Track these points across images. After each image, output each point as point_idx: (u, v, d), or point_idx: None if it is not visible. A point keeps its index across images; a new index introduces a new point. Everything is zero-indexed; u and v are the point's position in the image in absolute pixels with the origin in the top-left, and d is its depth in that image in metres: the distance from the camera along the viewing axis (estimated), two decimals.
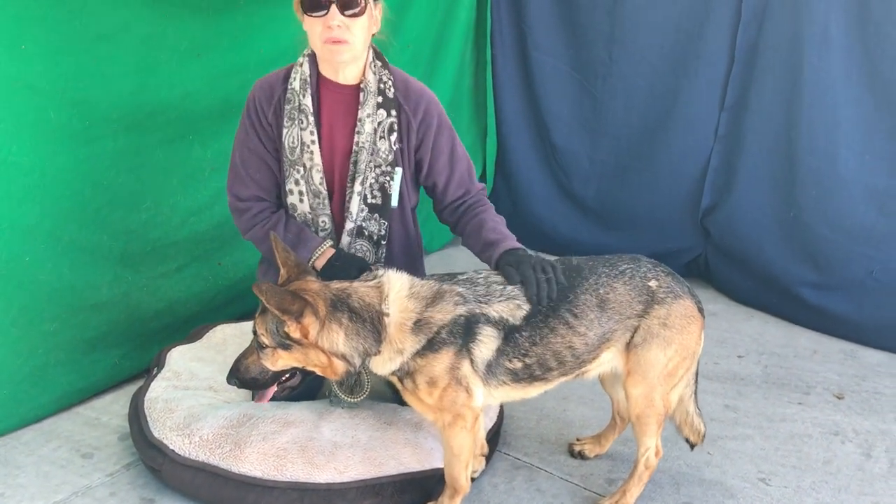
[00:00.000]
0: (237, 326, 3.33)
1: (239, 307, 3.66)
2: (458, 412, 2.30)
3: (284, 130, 2.55)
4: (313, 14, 2.42)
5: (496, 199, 5.01)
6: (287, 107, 2.54)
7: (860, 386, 3.49)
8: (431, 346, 2.24)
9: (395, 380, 2.35)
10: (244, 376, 2.27)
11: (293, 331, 2.13)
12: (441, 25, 4.45)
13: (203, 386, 2.88)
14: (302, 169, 2.56)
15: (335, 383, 2.63)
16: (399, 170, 2.65)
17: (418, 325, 2.24)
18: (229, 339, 3.23)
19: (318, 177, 2.56)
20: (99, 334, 3.09)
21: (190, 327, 3.35)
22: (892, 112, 3.63)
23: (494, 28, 4.68)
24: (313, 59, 2.57)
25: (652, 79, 4.24)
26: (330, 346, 2.16)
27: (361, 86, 2.59)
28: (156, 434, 2.60)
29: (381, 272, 2.31)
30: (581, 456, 2.87)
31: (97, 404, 3.11)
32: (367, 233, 2.67)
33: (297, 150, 2.54)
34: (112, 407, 3.09)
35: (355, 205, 2.61)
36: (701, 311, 2.48)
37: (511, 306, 2.32)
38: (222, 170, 3.39)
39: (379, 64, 2.64)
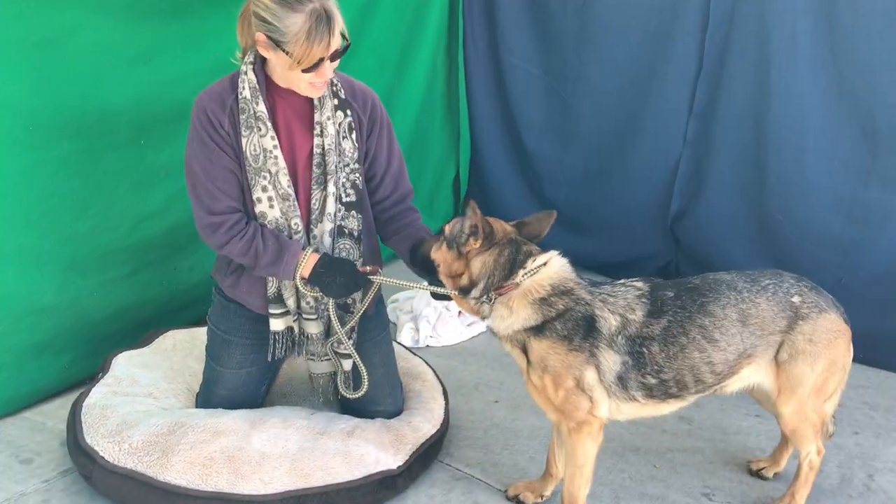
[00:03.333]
0: (189, 332, 3.33)
1: (196, 312, 3.65)
2: (582, 418, 2.34)
3: (244, 140, 2.50)
4: (308, 72, 2.41)
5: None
6: (242, 116, 2.50)
7: None
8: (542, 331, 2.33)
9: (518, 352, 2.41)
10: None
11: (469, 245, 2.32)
12: (410, 28, 4.42)
13: (143, 392, 2.88)
14: (268, 175, 2.54)
15: (340, 379, 2.80)
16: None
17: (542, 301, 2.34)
18: (179, 344, 3.23)
19: (285, 180, 2.55)
20: (46, 339, 3.10)
21: (144, 332, 3.35)
22: (860, 119, 3.56)
23: (467, 31, 4.65)
24: (259, 66, 2.53)
25: (621, 83, 4.19)
26: (473, 268, 2.33)
27: None
28: (88, 441, 2.60)
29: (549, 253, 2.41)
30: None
31: (45, 409, 3.12)
32: (347, 231, 2.68)
33: (261, 156, 2.51)
34: (59, 412, 3.07)
35: (331, 205, 2.61)
36: (846, 322, 2.46)
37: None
38: (176, 174, 3.37)
39: None
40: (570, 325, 2.29)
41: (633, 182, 4.28)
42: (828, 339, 2.38)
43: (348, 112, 2.62)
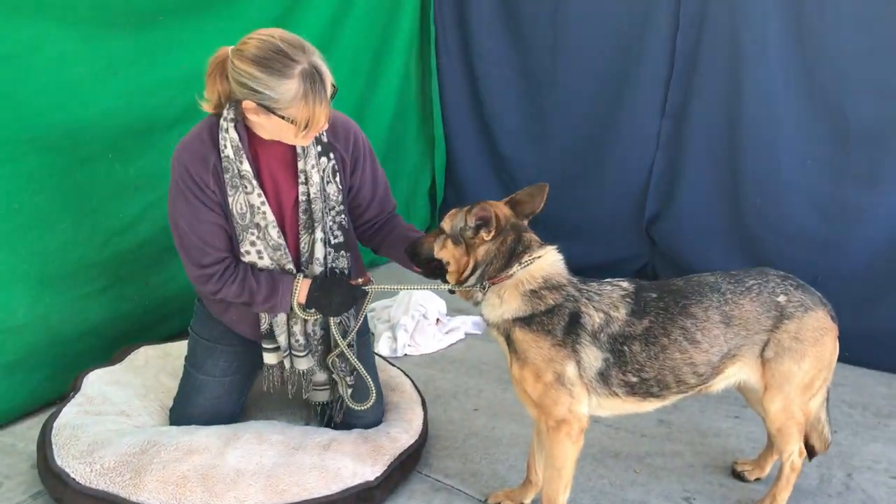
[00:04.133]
0: (162, 348, 3.29)
1: (169, 326, 3.61)
2: (561, 415, 2.33)
3: (230, 198, 2.45)
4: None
5: (447, 210, 4.95)
6: (226, 175, 2.43)
7: None
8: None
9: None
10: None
11: (480, 238, 2.32)
12: (382, 35, 4.41)
13: (114, 411, 2.83)
14: (256, 230, 2.51)
15: (345, 393, 2.75)
16: None
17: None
18: (151, 360, 3.19)
19: (274, 232, 2.52)
20: (17, 358, 3.04)
21: (116, 349, 3.29)
22: (832, 118, 3.59)
23: (439, 38, 4.63)
24: (241, 123, 2.44)
25: (594, 86, 4.20)
26: (478, 253, 2.33)
27: None
28: (58, 462, 2.54)
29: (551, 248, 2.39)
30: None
31: (15, 430, 3.05)
32: (338, 270, 2.67)
33: (247, 214, 2.48)
34: (30, 433, 3.01)
35: (320, 250, 2.59)
36: (834, 319, 2.45)
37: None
38: (146, 188, 3.37)
39: None
40: (556, 320, 2.29)
41: (608, 185, 4.29)
42: (814, 337, 2.38)
43: (331, 155, 2.58)
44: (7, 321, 2.97)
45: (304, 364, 2.73)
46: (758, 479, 2.83)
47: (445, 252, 2.40)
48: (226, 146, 2.41)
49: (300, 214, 2.57)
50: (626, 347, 2.30)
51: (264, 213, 2.48)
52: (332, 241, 2.63)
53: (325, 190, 2.57)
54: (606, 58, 4.13)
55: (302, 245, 2.61)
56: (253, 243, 2.52)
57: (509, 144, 4.58)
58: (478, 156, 4.73)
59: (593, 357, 2.30)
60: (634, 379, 2.33)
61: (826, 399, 2.60)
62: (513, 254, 2.32)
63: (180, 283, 3.58)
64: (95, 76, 3.09)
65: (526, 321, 2.31)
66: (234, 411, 2.88)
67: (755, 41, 3.65)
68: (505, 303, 2.33)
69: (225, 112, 2.41)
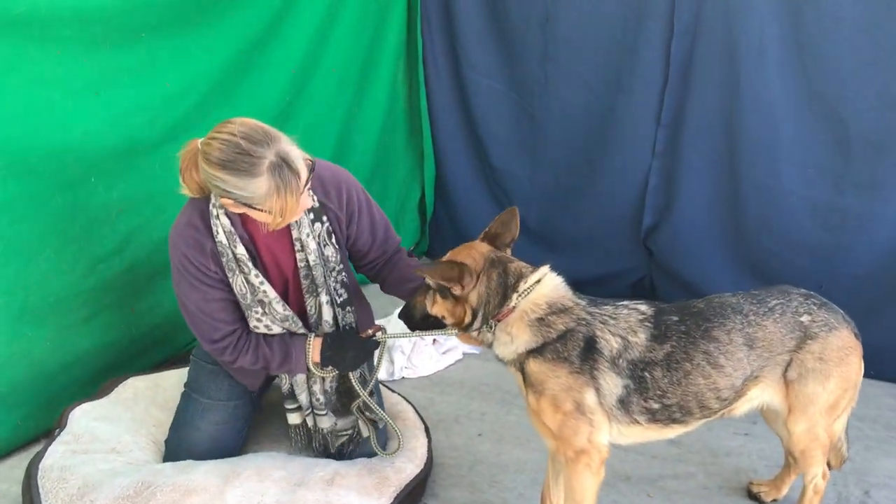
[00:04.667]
0: (151, 378, 3.15)
1: (157, 355, 3.48)
2: (581, 446, 2.25)
3: (230, 280, 2.47)
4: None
5: (437, 224, 4.89)
6: (223, 259, 2.44)
7: None
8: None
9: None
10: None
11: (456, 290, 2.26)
12: (369, 47, 4.30)
13: (104, 448, 2.69)
14: (260, 307, 2.50)
15: (373, 438, 2.73)
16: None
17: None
18: (140, 392, 3.05)
19: (280, 307, 2.52)
20: None
21: (102, 381, 3.15)
22: (832, 125, 3.54)
23: (426, 48, 4.52)
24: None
25: (588, 96, 4.11)
26: (471, 300, 2.26)
27: None
28: None
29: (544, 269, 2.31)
30: None
31: None
32: (348, 326, 2.67)
33: (248, 294, 2.48)
34: (13, 473, 2.87)
35: (328, 313, 2.59)
36: (857, 337, 2.38)
37: None
38: (131, 212, 3.25)
39: None
40: (570, 346, 2.21)
41: (603, 196, 4.20)
42: (839, 356, 2.32)
43: (324, 218, 2.55)
44: None
45: (326, 423, 2.73)
46: (774, 501, 2.75)
47: (438, 307, 2.34)
48: (218, 232, 2.42)
49: (302, 280, 2.56)
50: (647, 373, 2.21)
51: (265, 291, 2.48)
52: (338, 301, 2.62)
53: (323, 254, 2.56)
54: (599, 66, 4.04)
55: (309, 308, 2.60)
56: (259, 319, 2.52)
57: (500, 156, 4.48)
58: (468, 168, 4.63)
59: (613, 384, 2.21)
60: (656, 406, 2.24)
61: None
62: (506, 287, 2.25)
63: (167, 309, 3.45)
64: (75, 97, 2.94)
65: (538, 351, 2.22)
66: (235, 443, 2.81)
67: (752, 48, 3.58)
68: (515, 338, 2.25)
69: (213, 199, 2.41)
